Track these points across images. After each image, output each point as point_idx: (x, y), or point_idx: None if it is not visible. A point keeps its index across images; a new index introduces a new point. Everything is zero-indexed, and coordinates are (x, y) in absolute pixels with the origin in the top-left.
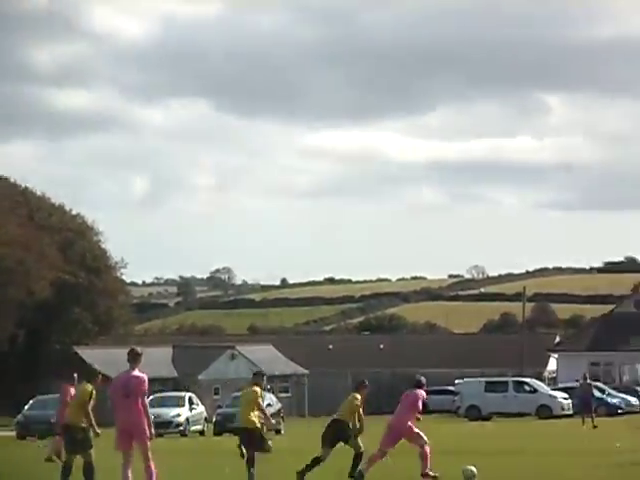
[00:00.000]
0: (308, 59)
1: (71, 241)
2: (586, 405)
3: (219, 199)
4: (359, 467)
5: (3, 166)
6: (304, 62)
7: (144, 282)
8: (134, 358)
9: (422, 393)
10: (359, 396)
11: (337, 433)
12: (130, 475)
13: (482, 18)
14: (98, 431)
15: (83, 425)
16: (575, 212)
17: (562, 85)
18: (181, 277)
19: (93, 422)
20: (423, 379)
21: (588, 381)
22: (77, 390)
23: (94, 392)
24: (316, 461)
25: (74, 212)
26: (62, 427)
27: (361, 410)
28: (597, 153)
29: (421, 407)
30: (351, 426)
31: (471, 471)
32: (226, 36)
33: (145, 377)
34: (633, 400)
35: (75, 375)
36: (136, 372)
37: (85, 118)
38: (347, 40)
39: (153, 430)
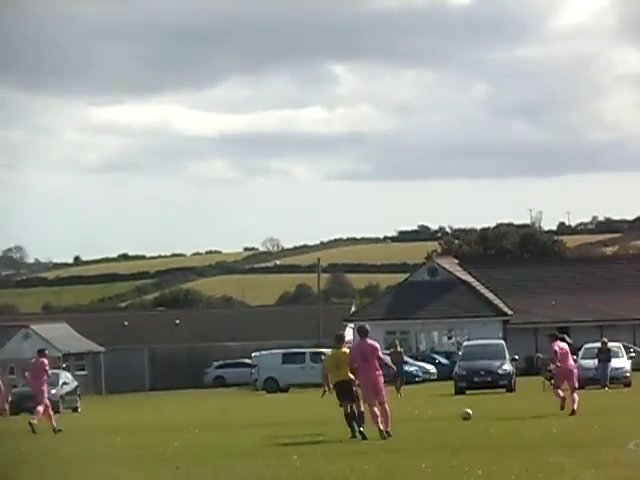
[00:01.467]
0: (92, 34)
1: None
2: (397, 373)
3: (6, 176)
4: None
5: None
6: (89, 37)
7: None
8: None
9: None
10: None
11: (349, 392)
12: None
13: None
14: None
15: None
16: (367, 182)
17: (349, 55)
18: None
19: None
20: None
21: (399, 349)
22: None
23: None
24: (350, 416)
25: None
26: None
27: None
28: (386, 123)
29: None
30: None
31: (467, 412)
32: (12, 11)
33: None
34: (430, 368)
35: None
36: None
37: None
38: (131, 15)
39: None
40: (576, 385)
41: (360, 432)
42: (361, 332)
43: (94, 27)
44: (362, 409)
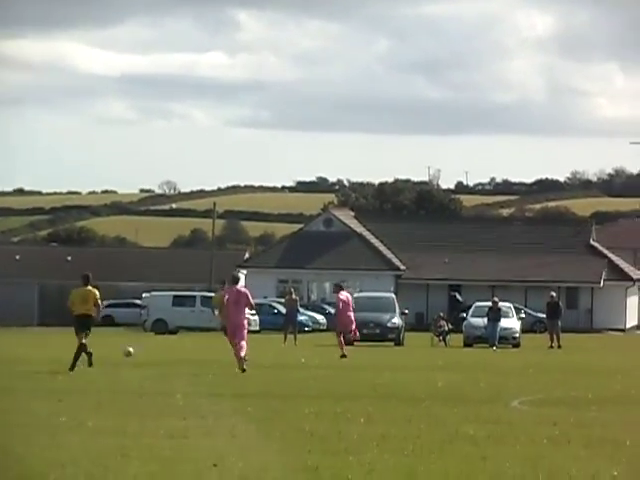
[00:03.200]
0: None
1: None
2: (291, 320)
3: None
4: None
5: None
6: None
7: None
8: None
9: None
10: None
11: None
12: None
13: None
14: None
15: None
16: (267, 130)
17: (253, 1)
18: None
19: None
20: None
21: (294, 296)
22: None
23: None
24: None
25: None
26: None
27: None
28: (289, 72)
29: None
30: None
31: (128, 350)
32: None
33: None
34: (320, 318)
35: None
36: None
37: None
38: None
39: None
40: (357, 334)
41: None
42: (234, 280)
43: None
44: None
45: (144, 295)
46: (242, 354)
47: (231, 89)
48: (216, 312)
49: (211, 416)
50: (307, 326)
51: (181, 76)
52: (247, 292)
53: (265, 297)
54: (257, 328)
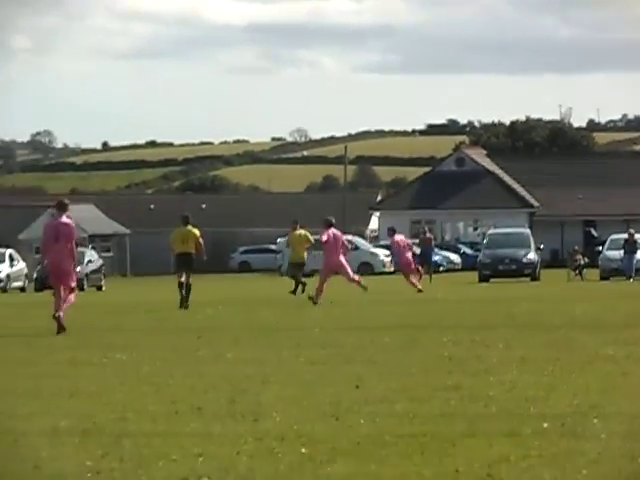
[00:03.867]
0: None
1: None
2: (426, 259)
3: (37, 61)
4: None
5: None
6: None
7: None
8: (62, 207)
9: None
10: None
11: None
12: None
13: None
14: None
15: None
16: (396, 75)
17: None
18: (1, 141)
19: None
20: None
21: (428, 235)
22: None
23: None
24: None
25: None
26: None
27: None
28: (416, 15)
29: None
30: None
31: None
32: None
33: (73, 224)
34: (455, 258)
35: None
36: (64, 219)
37: None
38: None
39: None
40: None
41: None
42: (327, 223)
43: None
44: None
45: (279, 240)
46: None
47: (359, 34)
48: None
49: (349, 346)
50: (441, 265)
51: (309, 23)
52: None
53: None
54: (392, 269)
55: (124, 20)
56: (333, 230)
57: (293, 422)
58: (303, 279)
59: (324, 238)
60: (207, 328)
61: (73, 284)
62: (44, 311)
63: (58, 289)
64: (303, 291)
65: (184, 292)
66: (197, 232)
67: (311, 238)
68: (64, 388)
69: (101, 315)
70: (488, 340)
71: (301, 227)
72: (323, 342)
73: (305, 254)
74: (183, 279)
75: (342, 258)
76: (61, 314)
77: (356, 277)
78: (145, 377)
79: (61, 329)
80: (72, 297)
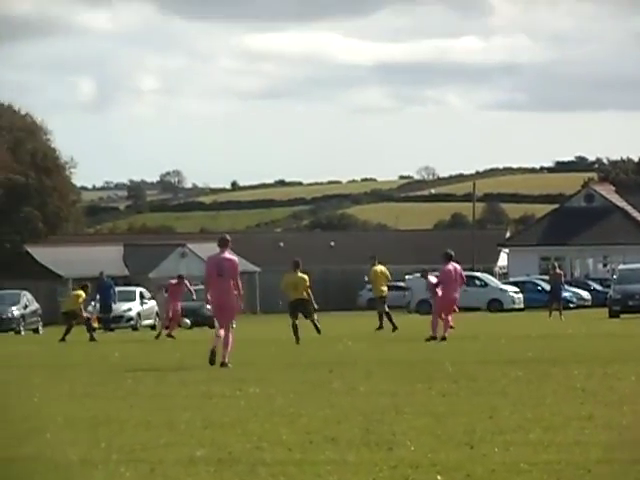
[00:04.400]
0: None
1: (21, 141)
2: (556, 296)
3: (166, 102)
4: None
5: None
6: None
7: (94, 186)
8: (223, 243)
9: None
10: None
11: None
12: (222, 335)
13: None
14: None
15: None
16: (523, 112)
17: None
18: (131, 181)
19: None
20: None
21: (558, 271)
22: None
23: None
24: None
25: (23, 112)
26: None
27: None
28: (542, 54)
29: None
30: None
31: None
32: None
33: (236, 259)
34: (584, 294)
35: None
36: (227, 255)
37: (28, 22)
38: None
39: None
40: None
41: None
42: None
43: None
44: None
45: (407, 277)
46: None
47: (485, 72)
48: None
49: (481, 379)
50: (571, 302)
51: (435, 62)
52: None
53: (528, 275)
54: (521, 306)
55: (251, 60)
56: (453, 264)
57: (427, 450)
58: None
59: (449, 269)
60: (338, 362)
61: (234, 321)
62: (173, 345)
63: (221, 324)
64: (393, 327)
65: (297, 332)
66: (306, 278)
67: (388, 273)
68: (198, 420)
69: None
70: (620, 373)
71: (380, 263)
72: (455, 375)
73: (385, 288)
74: (297, 321)
75: (457, 295)
76: (226, 361)
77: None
78: (278, 409)
79: (224, 365)
80: (231, 338)
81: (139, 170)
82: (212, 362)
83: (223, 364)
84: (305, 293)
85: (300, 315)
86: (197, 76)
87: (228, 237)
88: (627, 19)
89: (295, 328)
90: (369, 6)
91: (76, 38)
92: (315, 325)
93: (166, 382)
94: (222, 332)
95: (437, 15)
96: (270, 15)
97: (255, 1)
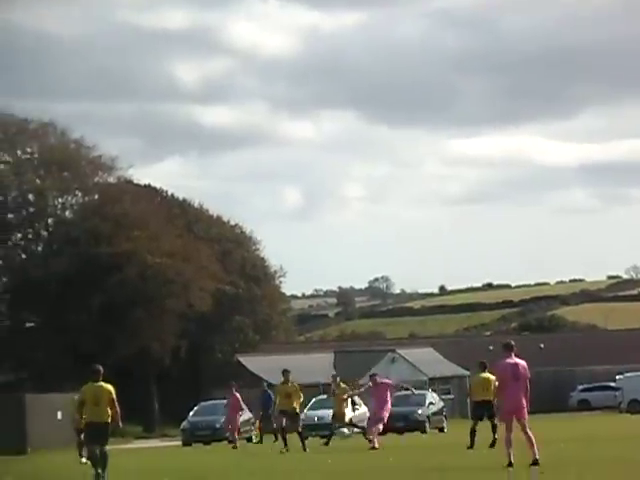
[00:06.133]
0: (451, 66)
1: (230, 251)
2: None
3: (371, 209)
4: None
5: (159, 181)
6: (447, 70)
7: (304, 294)
8: (509, 348)
9: None
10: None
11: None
12: (512, 440)
13: (625, 19)
14: None
15: None
16: None
17: None
18: (340, 288)
19: None
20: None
21: None
22: None
23: None
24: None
25: (232, 223)
26: None
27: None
28: None
29: None
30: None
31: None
32: (369, 46)
33: (525, 364)
34: None
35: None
36: (515, 359)
37: (233, 133)
38: (490, 46)
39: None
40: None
41: None
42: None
43: (454, 59)
44: None
45: (617, 377)
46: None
47: None
48: None
49: None
50: None
51: (636, 161)
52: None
53: None
54: None
55: (454, 165)
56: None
57: None
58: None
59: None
60: (549, 465)
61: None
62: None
63: (510, 424)
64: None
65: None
66: (492, 379)
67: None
68: None
69: (444, 456)
70: None
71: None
72: None
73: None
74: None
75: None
76: (537, 457)
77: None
78: None
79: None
80: (532, 436)
81: (347, 277)
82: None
83: (533, 461)
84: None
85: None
86: (402, 183)
87: (512, 342)
88: None
89: (472, 433)
90: (570, 108)
91: (280, 148)
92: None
93: None
94: (522, 434)
95: (636, 115)
96: (470, 120)
97: (457, 107)
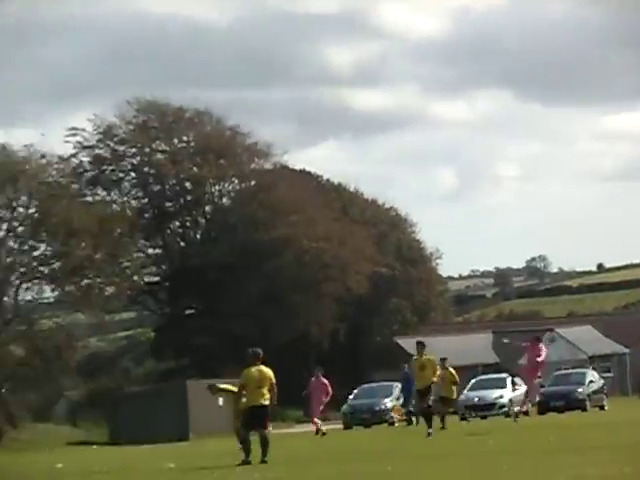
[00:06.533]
0: (599, 42)
1: (385, 234)
2: None
3: (525, 188)
4: None
5: (314, 166)
6: (599, 46)
7: (460, 275)
8: None
9: None
10: None
11: None
12: None
13: None
14: None
15: None
16: None
17: None
18: (497, 268)
19: None
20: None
21: None
22: None
23: None
24: None
25: (387, 205)
26: None
27: None
28: None
29: None
30: None
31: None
32: (519, 25)
33: None
34: None
35: None
36: None
37: (385, 116)
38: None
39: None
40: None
41: None
42: None
43: (600, 34)
44: None
45: None
46: None
47: None
48: None
49: None
50: None
51: None
52: None
53: None
54: None
55: (608, 141)
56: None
57: None
58: None
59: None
60: None
61: None
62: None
63: None
64: None
65: None
66: None
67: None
68: None
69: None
70: None
71: None
72: None
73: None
74: None
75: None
76: None
77: None
78: None
79: None
80: None
81: (504, 257)
82: None
83: None
84: None
85: None
86: (555, 160)
87: None
88: None
89: None
90: None
91: (432, 129)
92: None
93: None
94: None
95: None
96: (625, 95)
97: (610, 82)
